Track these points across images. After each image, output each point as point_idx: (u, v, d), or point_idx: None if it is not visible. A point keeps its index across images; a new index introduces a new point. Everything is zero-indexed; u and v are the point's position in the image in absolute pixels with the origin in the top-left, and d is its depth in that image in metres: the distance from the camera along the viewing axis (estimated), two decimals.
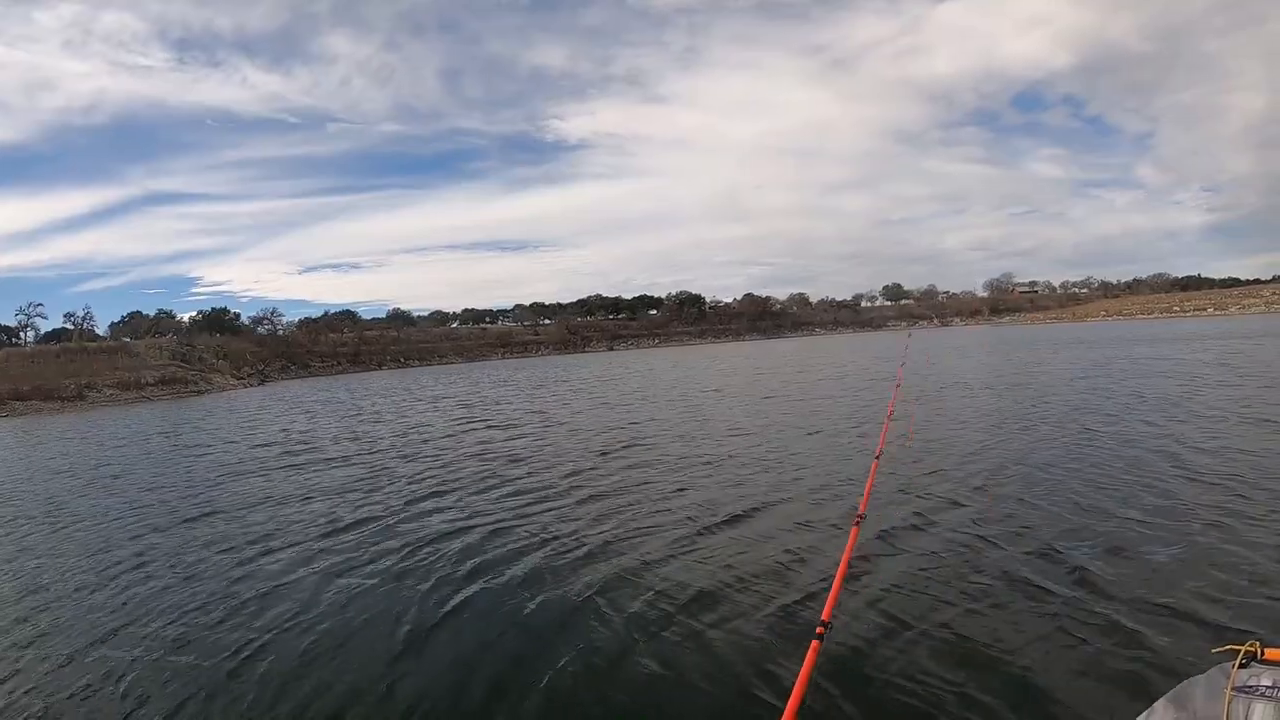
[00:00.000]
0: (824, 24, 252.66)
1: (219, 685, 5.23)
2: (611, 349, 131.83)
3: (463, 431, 20.26)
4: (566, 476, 12.22)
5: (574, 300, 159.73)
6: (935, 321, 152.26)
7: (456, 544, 8.45)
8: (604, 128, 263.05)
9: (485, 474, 12.96)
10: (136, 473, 17.15)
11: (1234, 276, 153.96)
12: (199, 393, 72.78)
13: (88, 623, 6.83)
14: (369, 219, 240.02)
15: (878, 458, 4.78)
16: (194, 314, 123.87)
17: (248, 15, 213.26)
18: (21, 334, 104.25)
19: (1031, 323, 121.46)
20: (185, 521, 10.97)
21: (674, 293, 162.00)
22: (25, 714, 5.05)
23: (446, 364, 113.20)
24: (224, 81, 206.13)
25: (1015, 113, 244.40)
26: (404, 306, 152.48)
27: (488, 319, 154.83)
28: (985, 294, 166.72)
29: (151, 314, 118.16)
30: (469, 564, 7.63)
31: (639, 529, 8.58)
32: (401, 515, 10.21)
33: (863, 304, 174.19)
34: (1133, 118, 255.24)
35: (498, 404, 29.73)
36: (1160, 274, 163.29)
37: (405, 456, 16.06)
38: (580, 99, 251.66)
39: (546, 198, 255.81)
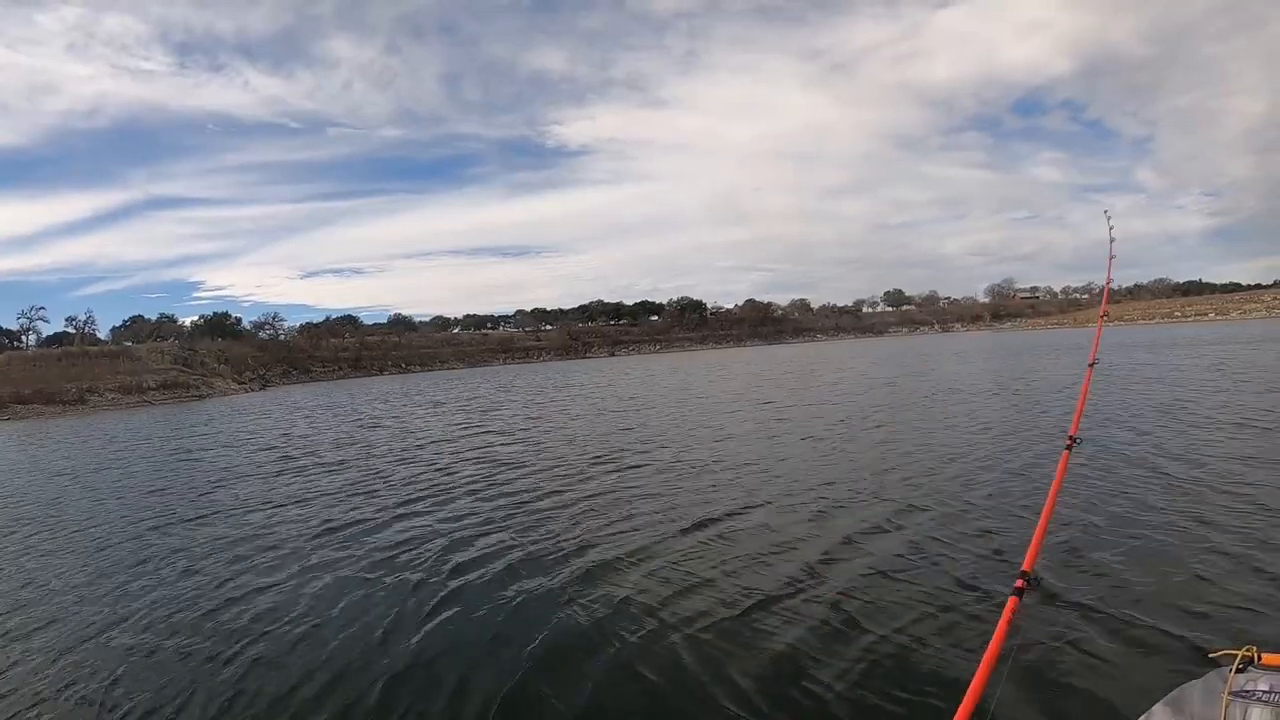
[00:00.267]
0: (822, 28, 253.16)
1: (203, 684, 5.31)
2: (613, 354, 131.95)
3: (460, 436, 20.35)
4: (560, 481, 12.31)
5: (575, 306, 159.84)
6: (937, 327, 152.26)
7: (453, 548, 8.53)
8: (604, 132, 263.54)
9: (480, 478, 13.05)
10: (136, 476, 17.25)
11: (1235, 281, 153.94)
12: (200, 397, 72.93)
13: (80, 622, 6.93)
14: (370, 224, 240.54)
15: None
16: (196, 318, 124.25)
17: (249, 18, 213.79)
18: (23, 337, 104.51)
19: (1033, 328, 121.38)
20: (182, 523, 11.08)
21: (675, 298, 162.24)
22: (15, 708, 5.15)
23: (448, 369, 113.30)
24: (225, 85, 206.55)
25: (1015, 117, 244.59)
26: (405, 312, 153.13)
27: (489, 324, 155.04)
28: (986, 299, 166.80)
29: (153, 318, 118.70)
30: (467, 568, 7.70)
31: (624, 532, 8.67)
32: (393, 518, 10.31)
33: (864, 309, 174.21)
34: (1132, 122, 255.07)
35: (497, 409, 29.82)
36: (1161, 279, 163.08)
37: (402, 461, 16.15)
38: (580, 103, 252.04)
39: (547, 202, 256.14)
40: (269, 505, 12.01)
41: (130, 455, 22.44)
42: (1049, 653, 4.71)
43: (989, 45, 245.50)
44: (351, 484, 13.37)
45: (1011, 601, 2.17)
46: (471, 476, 13.24)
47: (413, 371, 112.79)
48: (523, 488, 11.88)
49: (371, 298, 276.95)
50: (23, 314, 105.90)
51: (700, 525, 8.74)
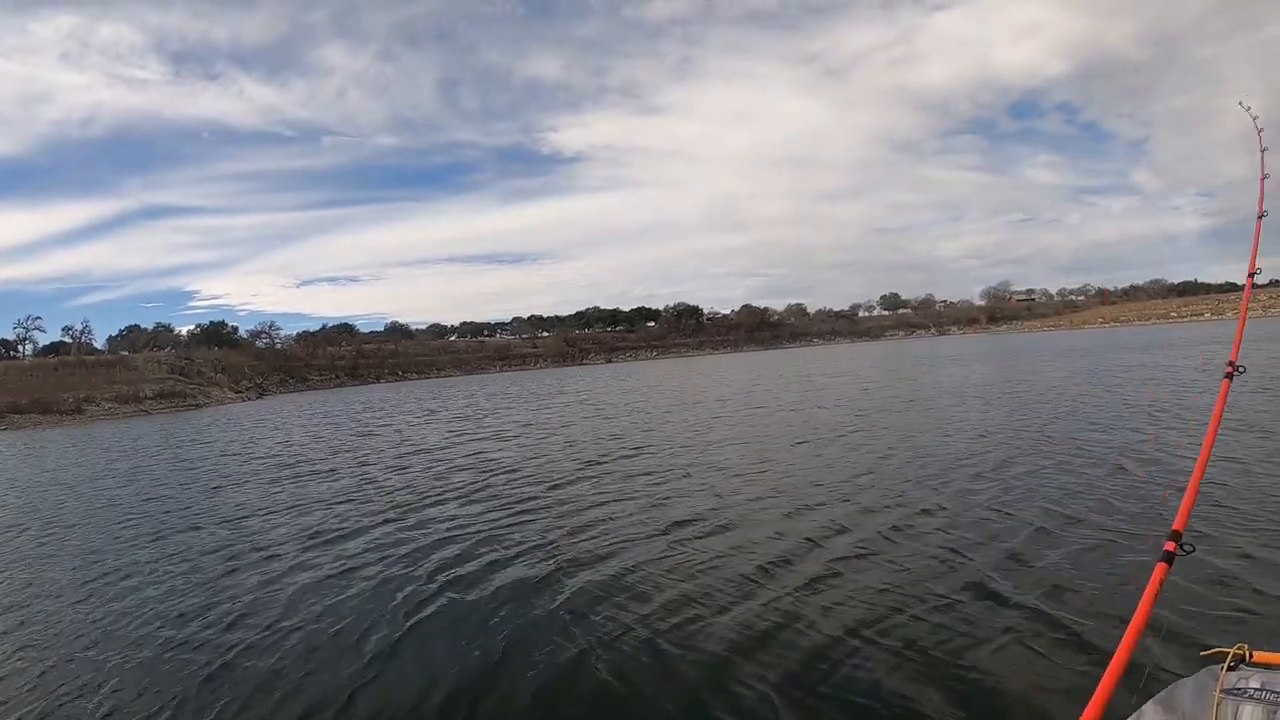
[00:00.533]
0: (816, 33, 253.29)
1: (190, 692, 5.34)
2: (610, 361, 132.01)
3: (455, 444, 20.37)
4: (548, 487, 12.35)
5: (572, 313, 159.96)
6: (933, 330, 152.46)
7: (435, 554, 8.57)
8: (599, 139, 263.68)
9: (473, 485, 13.08)
10: (133, 485, 17.26)
11: (1231, 281, 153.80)
12: (197, 406, 72.88)
13: (72, 630, 6.99)
14: (366, 232, 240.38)
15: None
16: (192, 327, 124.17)
17: (244, 27, 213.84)
18: (20, 347, 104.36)
19: (1030, 331, 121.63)
20: (176, 532, 11.11)
21: (672, 304, 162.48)
22: (3, 714, 5.20)
23: (444, 377, 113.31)
24: (220, 94, 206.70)
25: (1011, 120, 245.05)
26: (401, 319, 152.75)
27: (486, 332, 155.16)
28: (982, 302, 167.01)
29: (149, 327, 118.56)
30: (445, 574, 7.73)
31: (617, 538, 8.69)
32: (380, 526, 10.35)
33: (860, 313, 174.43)
34: (1127, 123, 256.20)
35: (492, 416, 29.86)
36: (1157, 280, 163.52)
37: (396, 468, 16.18)
38: (575, 110, 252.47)
39: (543, 210, 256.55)
40: (262, 513, 12.04)
41: (126, 465, 22.43)
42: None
43: (984, 48, 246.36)
44: (342, 492, 13.40)
45: (1160, 568, 2.00)
46: (461, 483, 13.28)
47: (409, 379, 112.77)
48: (510, 494, 11.91)
49: (368, 306, 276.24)
50: (19, 324, 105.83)
51: (680, 530, 8.80)
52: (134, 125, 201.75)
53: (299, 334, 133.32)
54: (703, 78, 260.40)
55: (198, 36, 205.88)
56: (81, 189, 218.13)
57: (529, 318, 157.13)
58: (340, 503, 12.36)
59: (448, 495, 12.25)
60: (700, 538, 8.38)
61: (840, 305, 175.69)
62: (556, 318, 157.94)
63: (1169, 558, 2.00)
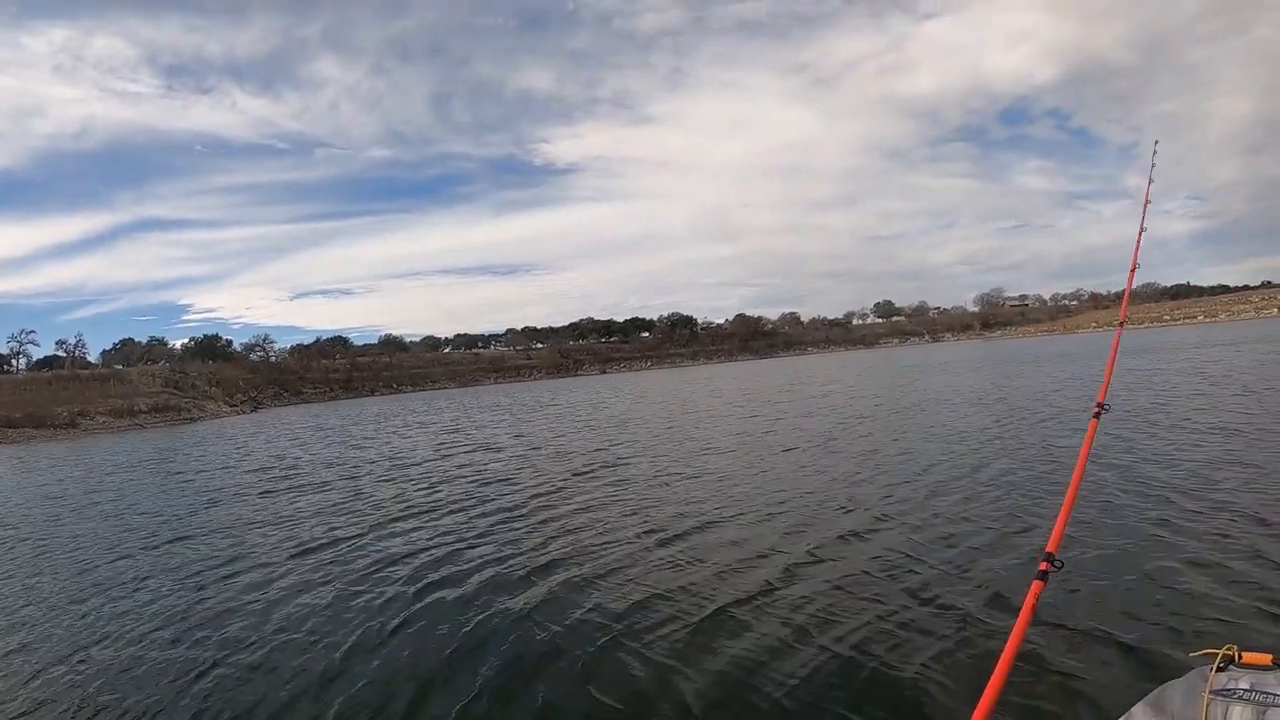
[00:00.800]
0: (806, 43, 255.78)
1: (170, 701, 5.44)
2: (604, 372, 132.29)
3: (445, 456, 20.45)
4: (539, 497, 12.44)
5: (566, 324, 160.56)
6: (927, 337, 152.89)
7: (417, 565, 8.65)
8: (592, 150, 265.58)
9: (459, 496, 13.16)
10: (126, 498, 17.32)
11: (1223, 284, 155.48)
12: (192, 420, 72.91)
13: (59, 640, 7.07)
14: (359, 244, 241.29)
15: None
16: (186, 341, 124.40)
17: (237, 40, 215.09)
18: (13, 361, 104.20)
19: (1023, 336, 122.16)
20: (165, 544, 11.17)
21: (666, 314, 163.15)
22: None
23: (439, 389, 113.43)
24: (213, 107, 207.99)
25: (1001, 127, 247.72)
26: (396, 332, 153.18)
27: (480, 344, 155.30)
28: (976, 309, 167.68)
29: (143, 341, 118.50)
30: (424, 585, 7.81)
31: (595, 548, 8.79)
32: (370, 537, 10.42)
33: (854, 321, 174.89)
34: (1117, 128, 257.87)
35: (484, 428, 29.93)
36: (1150, 283, 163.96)
37: (386, 480, 16.26)
38: (568, 122, 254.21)
39: (536, 221, 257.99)
40: (253, 525, 12.11)
41: (120, 478, 22.45)
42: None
43: (975, 55, 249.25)
44: (333, 505, 13.45)
45: (1036, 586, 2.07)
46: (451, 495, 13.36)
47: (404, 392, 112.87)
48: (500, 504, 12.00)
49: (362, 318, 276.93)
50: (13, 337, 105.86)
51: (658, 539, 8.87)
52: (127, 138, 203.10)
53: (293, 347, 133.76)
54: (694, 88, 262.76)
55: (191, 50, 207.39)
56: (75, 202, 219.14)
57: (523, 329, 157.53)
58: (329, 515, 12.43)
59: (433, 507, 12.32)
60: (677, 547, 8.46)
61: (834, 314, 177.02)
62: (550, 329, 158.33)
63: (1044, 576, 2.11)
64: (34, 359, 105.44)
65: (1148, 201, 5.13)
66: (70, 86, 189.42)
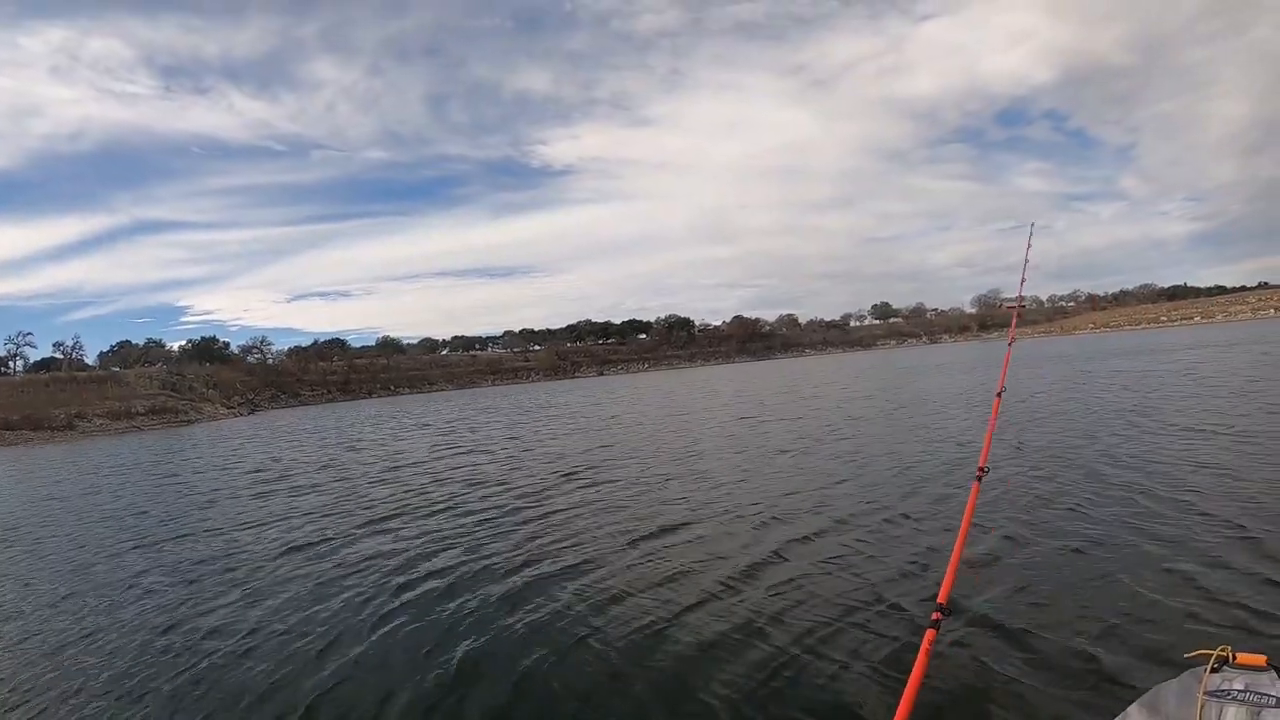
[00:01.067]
0: (804, 44, 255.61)
1: (158, 700, 5.54)
2: (601, 374, 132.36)
3: (438, 457, 20.54)
4: (527, 498, 12.56)
5: (563, 326, 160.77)
6: (924, 339, 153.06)
7: (406, 565, 8.76)
8: (589, 152, 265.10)
9: (449, 497, 13.27)
10: (122, 499, 17.43)
11: (1220, 284, 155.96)
12: (189, 422, 72.94)
13: (49, 637, 7.20)
14: (356, 246, 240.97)
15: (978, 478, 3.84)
16: (183, 343, 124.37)
17: (234, 41, 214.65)
18: (10, 363, 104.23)
19: (1021, 337, 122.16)
20: (161, 546, 11.24)
21: (663, 316, 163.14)
22: None
23: (437, 391, 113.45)
24: (210, 108, 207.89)
25: (999, 128, 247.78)
26: (393, 334, 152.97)
27: (477, 346, 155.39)
28: (973, 310, 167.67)
29: (140, 343, 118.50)
30: (414, 585, 7.91)
31: (584, 549, 8.89)
32: (357, 538, 10.52)
33: (852, 323, 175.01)
34: (1114, 130, 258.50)
35: (479, 430, 30.02)
36: (1147, 285, 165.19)
37: (378, 482, 16.36)
38: (565, 123, 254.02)
39: (534, 223, 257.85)
40: (247, 526, 12.20)
41: (117, 480, 22.53)
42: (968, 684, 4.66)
43: (972, 57, 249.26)
44: (325, 506, 13.54)
45: (929, 633, 2.12)
46: (441, 496, 13.46)
47: (401, 394, 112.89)
48: (488, 505, 12.11)
49: (359, 320, 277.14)
50: (10, 340, 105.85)
51: (647, 540, 8.95)
52: (124, 139, 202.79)
53: (290, 349, 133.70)
54: (692, 89, 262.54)
55: (188, 51, 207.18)
56: (71, 204, 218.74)
57: (520, 331, 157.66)
58: (320, 516, 12.52)
59: (426, 508, 12.42)
60: (665, 548, 8.55)
61: (831, 315, 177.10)
62: (548, 331, 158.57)
63: (936, 625, 2.17)
64: (31, 361, 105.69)
65: (1024, 280, 5.44)
66: (67, 87, 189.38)
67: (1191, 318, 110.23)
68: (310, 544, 10.32)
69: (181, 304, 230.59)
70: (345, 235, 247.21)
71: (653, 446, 18.45)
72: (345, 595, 7.72)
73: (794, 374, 58.52)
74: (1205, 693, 1.36)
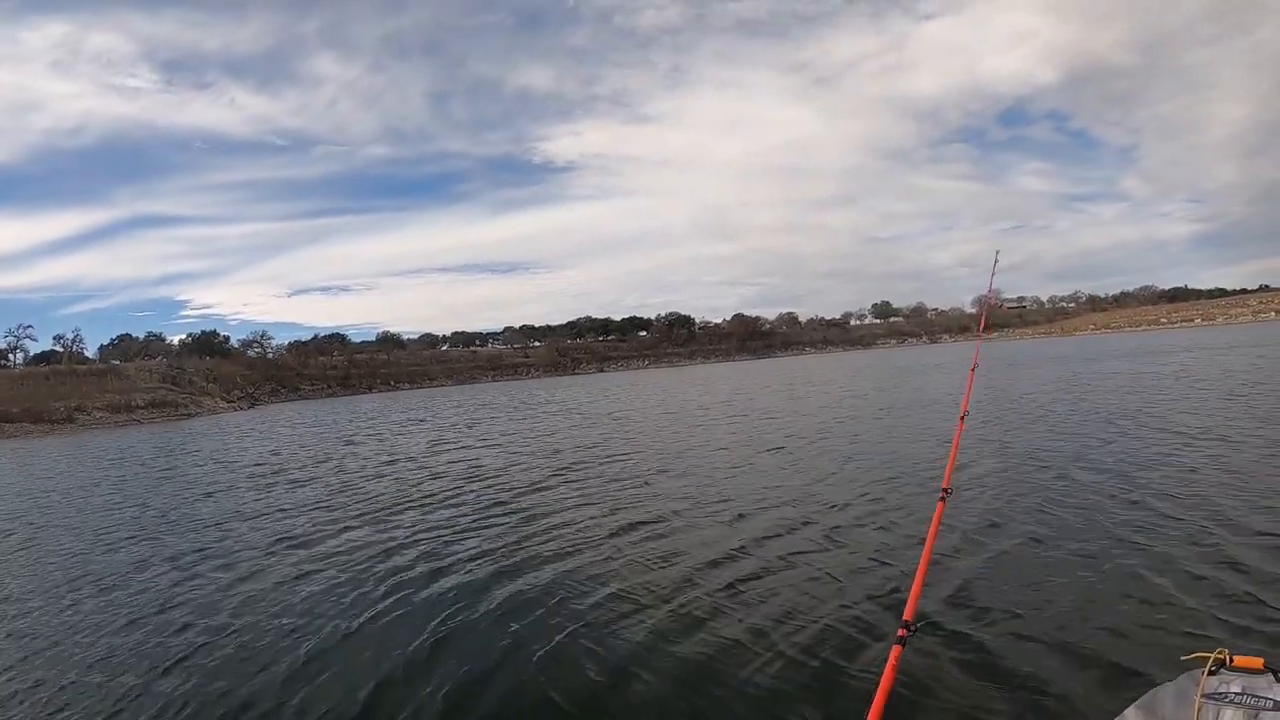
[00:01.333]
0: (806, 42, 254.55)
1: (141, 689, 5.66)
2: (602, 370, 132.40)
3: (436, 452, 20.71)
4: (517, 493, 12.71)
5: (564, 322, 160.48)
6: (925, 338, 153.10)
7: (394, 557, 8.91)
8: (590, 148, 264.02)
9: (444, 491, 13.43)
10: (120, 492, 17.62)
11: (1220, 287, 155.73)
12: (189, 415, 73.05)
13: (44, 626, 7.35)
14: (357, 241, 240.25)
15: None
16: (183, 337, 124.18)
17: (236, 36, 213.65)
18: (10, 356, 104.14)
19: (1021, 338, 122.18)
20: (157, 538, 11.41)
21: (663, 314, 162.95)
22: None
23: (437, 386, 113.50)
24: (211, 103, 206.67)
25: (1001, 128, 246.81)
26: (393, 329, 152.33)
27: (478, 341, 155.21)
28: (974, 310, 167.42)
29: (141, 336, 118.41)
30: (398, 577, 8.05)
31: (569, 543, 9.04)
32: (352, 531, 10.67)
33: (852, 322, 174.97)
34: (1116, 130, 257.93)
35: (478, 425, 30.21)
36: (1147, 286, 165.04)
37: (375, 476, 16.52)
38: (566, 120, 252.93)
39: (535, 219, 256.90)
40: (243, 518, 12.38)
41: (116, 473, 22.70)
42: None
43: (974, 56, 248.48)
44: (321, 499, 13.69)
45: (895, 650, 2.12)
46: (436, 491, 13.62)
47: (401, 389, 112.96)
48: (482, 501, 12.25)
49: (360, 315, 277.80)
50: (10, 332, 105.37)
51: (631, 535, 9.12)
52: (125, 134, 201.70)
53: (291, 344, 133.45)
54: (693, 86, 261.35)
55: (189, 45, 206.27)
56: (72, 198, 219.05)
57: (521, 327, 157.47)
58: (316, 509, 12.68)
59: (418, 502, 12.59)
60: (648, 543, 8.69)
61: (832, 314, 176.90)
62: (548, 327, 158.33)
63: (902, 641, 2.17)
64: (31, 354, 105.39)
65: (987, 306, 5.45)
66: (68, 82, 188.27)
67: (1192, 320, 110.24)
68: (307, 537, 10.47)
69: (182, 298, 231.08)
70: (346, 230, 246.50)
71: (651, 444, 18.60)
72: (338, 590, 7.83)
73: (793, 373, 58.62)
74: (1202, 695, 1.36)
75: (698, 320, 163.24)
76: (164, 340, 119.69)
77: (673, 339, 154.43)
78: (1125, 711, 1.44)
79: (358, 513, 12.01)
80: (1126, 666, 4.61)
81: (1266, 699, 1.32)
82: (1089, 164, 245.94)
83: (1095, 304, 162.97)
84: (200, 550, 10.21)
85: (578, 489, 12.64)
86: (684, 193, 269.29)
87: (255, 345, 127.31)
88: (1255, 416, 14.02)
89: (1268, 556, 6.23)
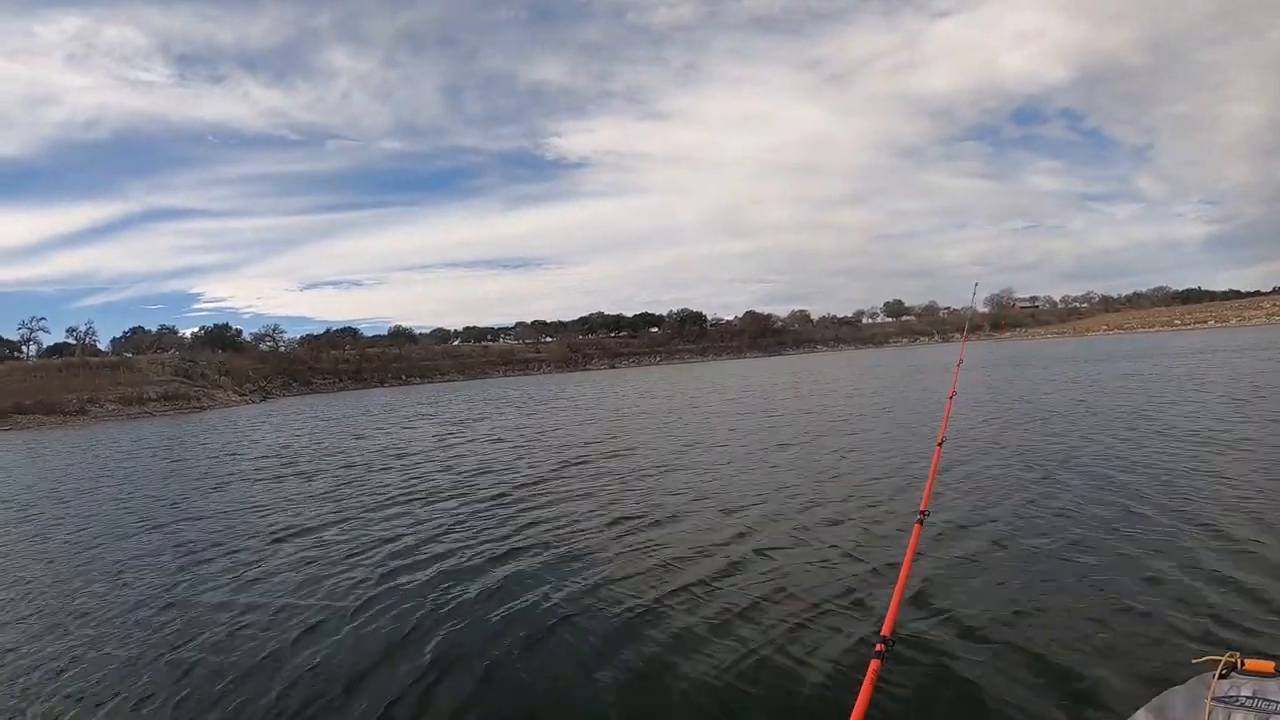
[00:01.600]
0: (820, 39, 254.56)
1: (140, 681, 5.68)
2: (613, 367, 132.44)
3: (445, 446, 20.81)
4: (520, 488, 12.74)
5: (575, 318, 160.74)
6: (936, 337, 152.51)
7: (394, 549, 9.00)
8: (604, 144, 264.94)
9: (452, 485, 13.50)
10: (131, 484, 17.76)
11: (1234, 289, 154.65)
12: (201, 408, 73.36)
13: (46, 617, 7.40)
14: (370, 236, 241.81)
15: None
16: (196, 330, 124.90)
17: (250, 30, 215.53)
18: (24, 348, 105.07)
19: (1034, 338, 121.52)
20: (162, 528, 11.56)
21: (675, 310, 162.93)
22: None
23: (447, 381, 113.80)
24: (225, 97, 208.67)
25: (1014, 127, 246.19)
26: (405, 324, 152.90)
27: (489, 336, 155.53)
28: (986, 309, 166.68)
29: (153, 329, 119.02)
30: (397, 571, 8.08)
31: (570, 540, 9.06)
32: (358, 522, 10.77)
33: (864, 320, 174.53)
34: (1130, 130, 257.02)
35: (487, 420, 30.34)
36: (1161, 287, 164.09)
37: (384, 469, 16.63)
38: (580, 116, 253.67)
39: (547, 215, 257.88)
40: (252, 510, 12.52)
41: (127, 465, 22.88)
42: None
43: (987, 55, 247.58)
44: (330, 491, 13.81)
45: (874, 664, 2.11)
46: (442, 484, 13.70)
47: (413, 383, 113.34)
48: (486, 494, 12.31)
49: (371, 310, 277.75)
50: (23, 324, 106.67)
51: (627, 530, 9.20)
52: (138, 127, 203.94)
53: (303, 337, 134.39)
54: (707, 83, 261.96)
55: (203, 39, 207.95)
56: (86, 191, 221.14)
57: (532, 323, 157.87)
58: (324, 500, 12.80)
59: (424, 495, 12.65)
60: (638, 540, 8.69)
61: (844, 312, 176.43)
62: (560, 323, 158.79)
63: (880, 655, 2.16)
64: (44, 346, 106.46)
65: (967, 328, 5.43)
66: (82, 75, 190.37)
67: (1205, 321, 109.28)
68: (313, 528, 10.56)
69: (194, 291, 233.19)
70: (359, 225, 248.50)
71: (657, 440, 18.63)
72: (336, 579, 7.90)
73: (803, 371, 58.49)
74: (1213, 699, 1.36)
75: (709, 317, 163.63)
76: (176, 333, 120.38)
77: (684, 336, 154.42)
78: (1135, 714, 1.43)
79: (367, 505, 12.10)
80: (1110, 680, 4.52)
81: (1277, 703, 1.31)
82: (1103, 163, 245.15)
83: (1108, 304, 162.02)
84: (215, 541, 10.27)
85: (582, 484, 12.70)
86: (696, 190, 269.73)
87: (267, 339, 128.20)
88: (1259, 422, 13.94)
89: (1267, 561, 6.22)
